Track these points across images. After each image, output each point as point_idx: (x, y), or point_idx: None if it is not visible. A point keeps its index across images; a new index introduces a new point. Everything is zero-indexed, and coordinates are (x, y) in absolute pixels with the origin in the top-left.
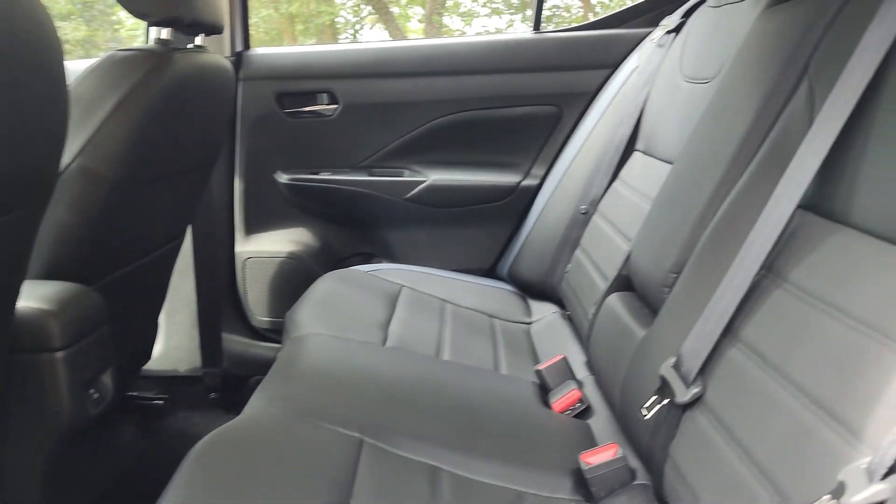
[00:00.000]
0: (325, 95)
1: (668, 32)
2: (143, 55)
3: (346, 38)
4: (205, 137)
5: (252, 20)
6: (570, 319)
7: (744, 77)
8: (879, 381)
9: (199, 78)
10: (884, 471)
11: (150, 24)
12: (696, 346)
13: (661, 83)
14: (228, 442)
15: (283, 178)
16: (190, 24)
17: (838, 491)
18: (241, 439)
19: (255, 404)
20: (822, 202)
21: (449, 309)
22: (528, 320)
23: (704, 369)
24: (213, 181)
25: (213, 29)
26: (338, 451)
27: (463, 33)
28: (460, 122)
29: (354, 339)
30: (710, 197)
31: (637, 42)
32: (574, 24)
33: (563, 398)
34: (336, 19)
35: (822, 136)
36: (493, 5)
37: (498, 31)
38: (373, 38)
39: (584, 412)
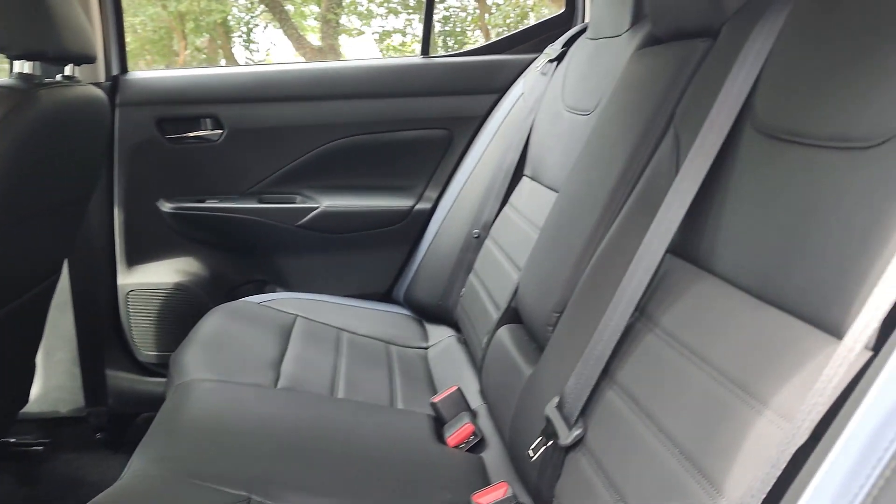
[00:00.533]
0: (208, 121)
1: (551, 61)
2: (2, 93)
3: (240, 35)
4: (78, 172)
5: (138, 19)
6: (466, 343)
7: (618, 117)
8: (737, 435)
9: (67, 113)
10: None
11: (12, 58)
12: (577, 387)
13: (545, 111)
14: None
15: (166, 206)
16: (56, 57)
17: None
18: None
19: (135, 467)
20: (688, 249)
21: (345, 338)
22: (424, 345)
23: (585, 411)
24: (90, 211)
25: (82, 59)
26: None
27: (361, 32)
28: (351, 147)
29: (243, 382)
30: (588, 237)
31: (522, 68)
32: (461, 50)
33: (457, 432)
34: (228, 17)
35: (687, 184)
36: (391, 5)
37: (393, 47)
38: (258, 61)
39: (479, 444)
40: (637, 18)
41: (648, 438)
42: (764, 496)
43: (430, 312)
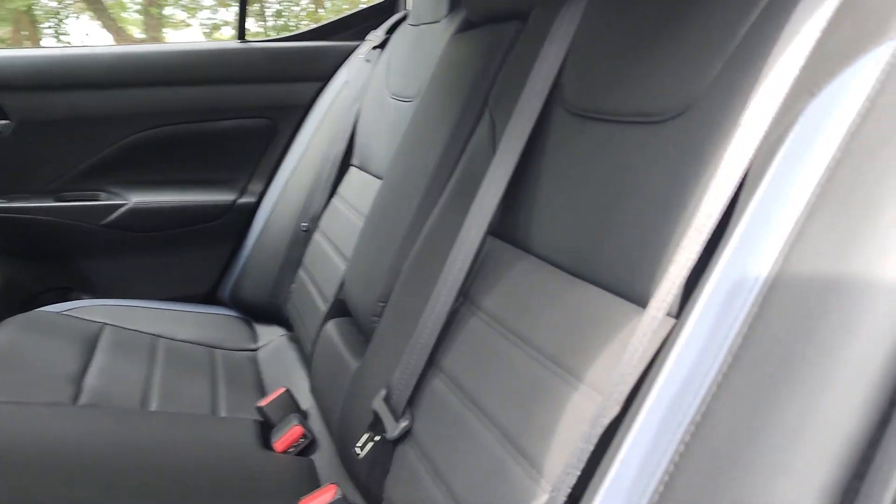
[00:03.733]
0: None
1: (375, 48)
2: None
3: (49, 27)
4: None
5: None
6: (298, 342)
7: (436, 102)
8: (555, 413)
9: None
10: None
11: None
12: (403, 377)
13: (371, 98)
14: None
15: None
16: None
17: None
18: None
19: None
20: (507, 230)
21: (161, 346)
22: (253, 346)
23: (412, 401)
24: None
25: None
26: None
27: (188, 25)
28: (163, 138)
29: (38, 401)
30: (409, 224)
31: (346, 55)
32: (288, 34)
33: (285, 436)
34: (34, 6)
35: (503, 166)
36: None
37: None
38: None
39: (309, 447)
40: (455, 4)
41: (474, 425)
42: (579, 472)
43: (260, 312)
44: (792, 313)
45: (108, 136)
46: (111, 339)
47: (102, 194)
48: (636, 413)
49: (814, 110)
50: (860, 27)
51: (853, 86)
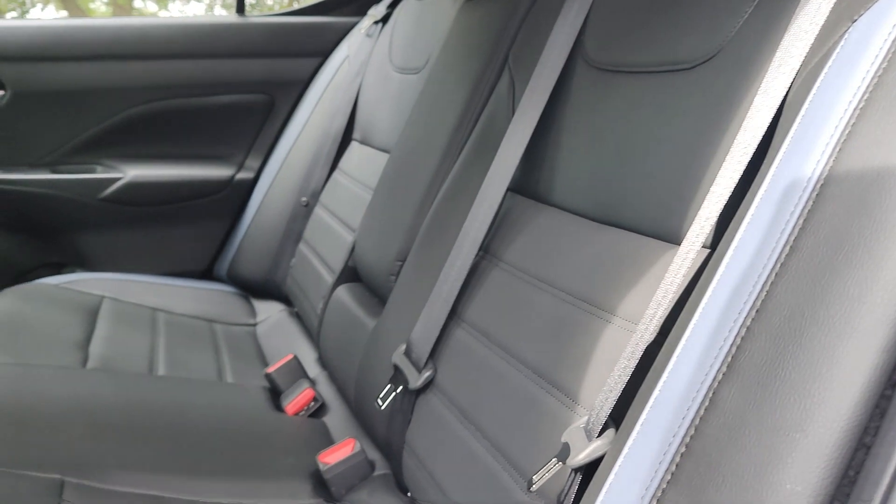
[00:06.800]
0: None
1: (376, 22)
2: None
3: (13, 16)
4: None
5: None
6: (299, 316)
7: (451, 68)
8: (588, 347)
9: None
10: (599, 428)
11: None
12: (425, 330)
13: (373, 73)
14: None
15: None
16: None
17: (563, 453)
18: None
19: None
20: (528, 185)
21: (161, 318)
22: (252, 321)
23: (434, 353)
24: None
25: None
26: (32, 500)
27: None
28: (161, 112)
29: (45, 364)
30: (428, 184)
31: (346, 31)
32: (282, 10)
33: (296, 399)
34: None
35: (523, 124)
36: None
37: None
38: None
39: (320, 410)
40: None
41: (501, 367)
42: (617, 396)
43: (258, 287)
44: (847, 205)
45: (106, 108)
46: (111, 310)
47: (99, 168)
48: (677, 338)
49: (860, 28)
50: None
51: None
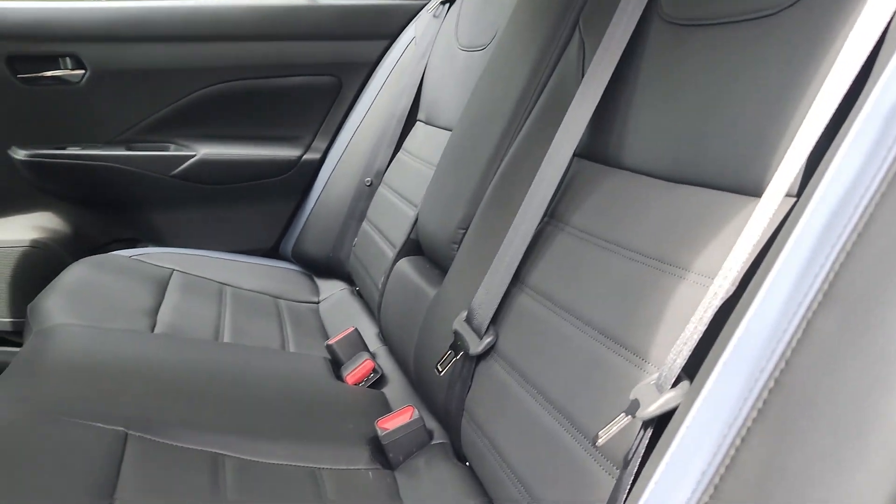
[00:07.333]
0: (68, 60)
1: (443, 3)
2: None
3: None
4: None
5: None
6: (360, 295)
7: (518, 37)
8: (659, 304)
9: None
10: (672, 381)
11: None
12: (487, 297)
13: (438, 54)
14: None
15: (19, 154)
16: None
17: (632, 408)
18: None
19: None
20: (597, 149)
21: (228, 292)
22: (315, 299)
23: (496, 319)
24: None
25: None
26: (97, 449)
27: None
28: (232, 92)
29: (115, 328)
30: (492, 153)
31: (414, 13)
32: None
33: (357, 370)
34: None
35: (593, 87)
36: None
37: None
38: None
39: (379, 381)
40: None
41: (566, 330)
42: (692, 349)
43: (321, 266)
44: None
45: (179, 89)
46: (180, 282)
47: (172, 146)
48: (763, 276)
49: None
50: None
51: None
